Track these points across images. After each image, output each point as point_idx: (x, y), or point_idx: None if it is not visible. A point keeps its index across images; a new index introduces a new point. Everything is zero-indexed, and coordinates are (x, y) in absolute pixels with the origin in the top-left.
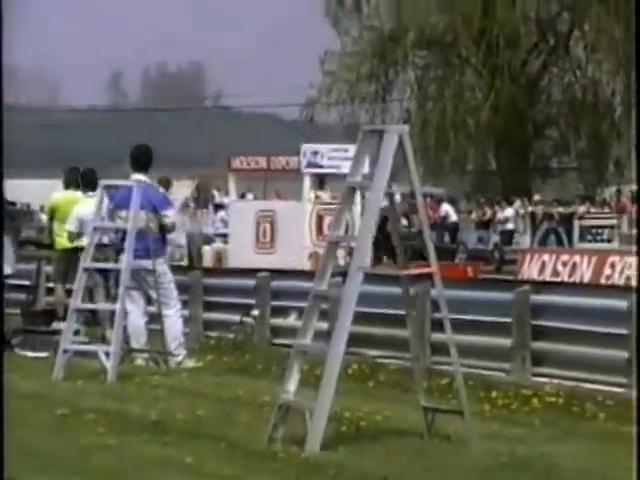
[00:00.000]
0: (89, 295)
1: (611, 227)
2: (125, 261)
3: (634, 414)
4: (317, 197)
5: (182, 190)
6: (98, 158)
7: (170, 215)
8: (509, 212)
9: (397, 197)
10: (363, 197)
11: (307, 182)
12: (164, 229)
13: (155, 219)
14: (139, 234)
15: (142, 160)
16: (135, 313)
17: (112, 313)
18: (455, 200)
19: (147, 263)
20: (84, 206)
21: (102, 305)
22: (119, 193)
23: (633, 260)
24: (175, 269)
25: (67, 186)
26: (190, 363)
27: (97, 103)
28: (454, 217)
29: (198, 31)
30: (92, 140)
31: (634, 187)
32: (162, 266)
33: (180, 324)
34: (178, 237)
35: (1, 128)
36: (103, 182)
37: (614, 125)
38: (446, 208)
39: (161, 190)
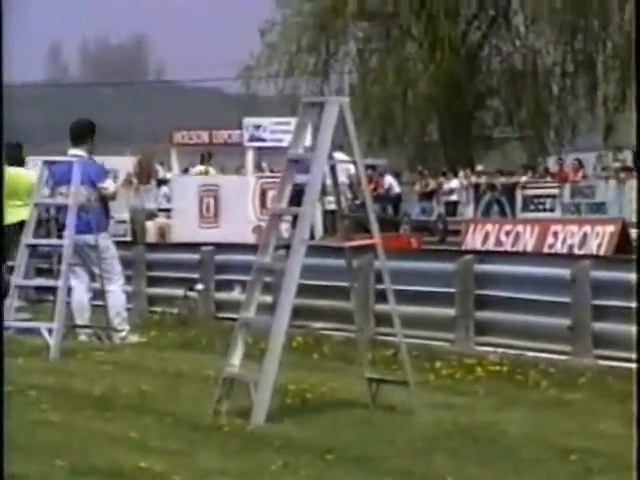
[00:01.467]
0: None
1: (553, 196)
2: (67, 237)
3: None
4: (206, 172)
5: (126, 165)
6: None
7: (108, 186)
8: (454, 183)
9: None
10: (306, 171)
11: (250, 156)
12: (105, 201)
13: (95, 192)
14: (81, 209)
15: (80, 134)
16: (79, 289)
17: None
18: (398, 172)
19: (89, 238)
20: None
21: (44, 282)
22: (59, 169)
23: (575, 229)
24: (118, 244)
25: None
26: (134, 338)
27: (35, 78)
28: (397, 189)
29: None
30: (32, 117)
31: (579, 155)
32: (105, 241)
33: (123, 299)
34: (121, 212)
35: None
36: (44, 158)
37: (554, 95)
38: (389, 180)
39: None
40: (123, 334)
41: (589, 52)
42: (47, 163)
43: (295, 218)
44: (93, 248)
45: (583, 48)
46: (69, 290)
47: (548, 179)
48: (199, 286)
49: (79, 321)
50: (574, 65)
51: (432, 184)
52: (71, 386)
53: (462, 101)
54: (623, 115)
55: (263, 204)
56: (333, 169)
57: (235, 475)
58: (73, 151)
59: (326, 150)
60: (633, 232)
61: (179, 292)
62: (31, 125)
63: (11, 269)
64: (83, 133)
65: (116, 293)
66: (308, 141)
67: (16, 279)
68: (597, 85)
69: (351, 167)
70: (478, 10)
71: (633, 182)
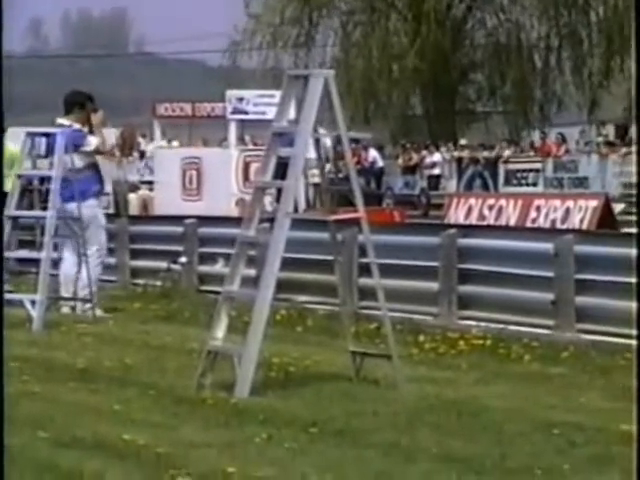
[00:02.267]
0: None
1: (536, 171)
2: (50, 209)
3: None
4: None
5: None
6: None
7: (89, 143)
8: (437, 157)
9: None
10: (290, 144)
11: (233, 129)
12: (96, 167)
13: (83, 157)
14: (64, 180)
15: (68, 104)
16: (70, 261)
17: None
18: (381, 146)
19: (72, 207)
20: None
21: (27, 254)
22: (43, 140)
23: (558, 203)
24: None
25: None
26: (98, 312)
27: (15, 49)
28: (380, 163)
29: None
30: (11, 88)
31: (562, 130)
32: (92, 209)
33: (97, 271)
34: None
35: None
36: (26, 129)
37: (537, 69)
38: (373, 154)
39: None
40: (88, 305)
41: (573, 27)
42: (30, 134)
43: (279, 191)
44: (76, 220)
45: (568, 22)
46: (55, 262)
47: (531, 153)
48: (182, 259)
49: (65, 293)
50: (558, 40)
51: (415, 158)
52: (54, 358)
53: (446, 75)
54: (607, 90)
55: (246, 177)
56: (317, 142)
57: (219, 448)
58: (60, 120)
59: (311, 123)
60: (616, 207)
61: (162, 265)
62: (10, 96)
63: None
64: (71, 103)
65: (89, 264)
66: (292, 114)
67: None
68: (582, 60)
69: (327, 141)
70: None
71: (615, 157)
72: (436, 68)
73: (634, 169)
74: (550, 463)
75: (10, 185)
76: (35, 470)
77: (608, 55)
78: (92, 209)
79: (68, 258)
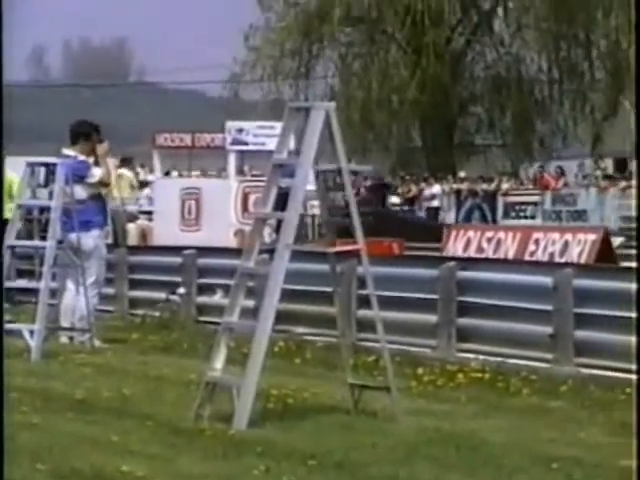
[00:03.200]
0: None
1: (534, 204)
2: (49, 239)
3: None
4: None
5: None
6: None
7: (93, 175)
8: (436, 189)
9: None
10: (291, 175)
11: (232, 159)
12: (101, 198)
13: (86, 188)
14: (67, 211)
15: (73, 135)
16: (72, 292)
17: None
18: (381, 178)
19: (73, 238)
20: None
21: (26, 283)
22: (42, 169)
23: (556, 236)
24: None
25: None
26: (97, 343)
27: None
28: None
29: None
30: (12, 117)
31: (561, 163)
32: (95, 239)
33: (94, 302)
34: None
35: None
36: (26, 159)
37: (538, 102)
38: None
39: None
40: (86, 336)
41: (574, 61)
42: (30, 164)
43: (279, 223)
44: (75, 250)
45: (567, 56)
46: (54, 292)
47: (530, 186)
48: (181, 290)
49: (63, 323)
50: (559, 73)
51: (414, 190)
52: (52, 389)
53: (445, 107)
54: (610, 124)
55: (245, 208)
56: (318, 175)
57: None
58: (65, 151)
59: (311, 155)
60: (615, 240)
61: (161, 295)
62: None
63: None
64: (76, 133)
65: (87, 294)
66: (292, 146)
67: None
68: (583, 94)
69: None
70: (462, 16)
71: (614, 190)
72: (435, 100)
73: (633, 203)
74: None
75: (8, 213)
76: None
77: (611, 90)
78: (95, 240)
79: (71, 289)
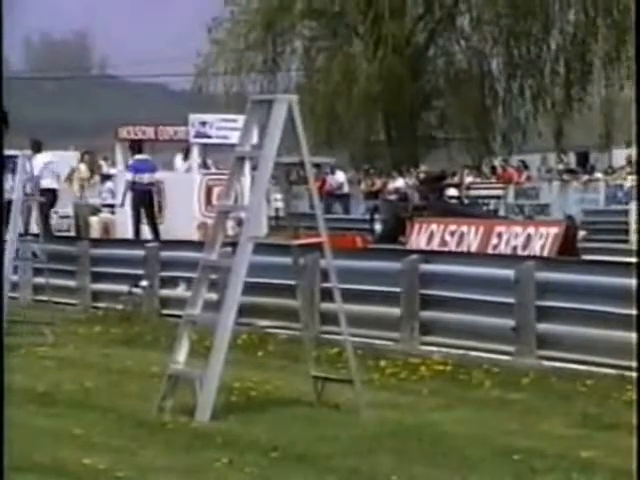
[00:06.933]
0: None
1: (497, 197)
2: (10, 232)
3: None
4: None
5: (70, 160)
6: None
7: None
8: (400, 182)
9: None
10: (254, 168)
11: (195, 153)
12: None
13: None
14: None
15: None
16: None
17: None
18: (344, 170)
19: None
20: None
21: None
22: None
23: (519, 230)
24: (62, 239)
25: None
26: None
27: None
28: (347, 188)
29: None
30: None
31: (523, 157)
32: None
33: None
34: (64, 207)
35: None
36: None
37: (498, 97)
38: (340, 179)
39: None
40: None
41: (533, 56)
42: None
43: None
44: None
45: (527, 52)
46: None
47: (492, 180)
48: (143, 282)
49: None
50: (519, 68)
51: (378, 183)
52: (13, 382)
53: (407, 101)
54: (570, 118)
55: (208, 201)
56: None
57: (180, 472)
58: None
59: (274, 147)
60: (581, 233)
61: (123, 288)
62: None
63: None
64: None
65: None
66: (255, 139)
67: None
68: (543, 88)
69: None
70: (425, 11)
71: (576, 184)
72: (397, 94)
73: (595, 196)
74: None
75: None
76: None
77: (568, 84)
78: None
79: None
